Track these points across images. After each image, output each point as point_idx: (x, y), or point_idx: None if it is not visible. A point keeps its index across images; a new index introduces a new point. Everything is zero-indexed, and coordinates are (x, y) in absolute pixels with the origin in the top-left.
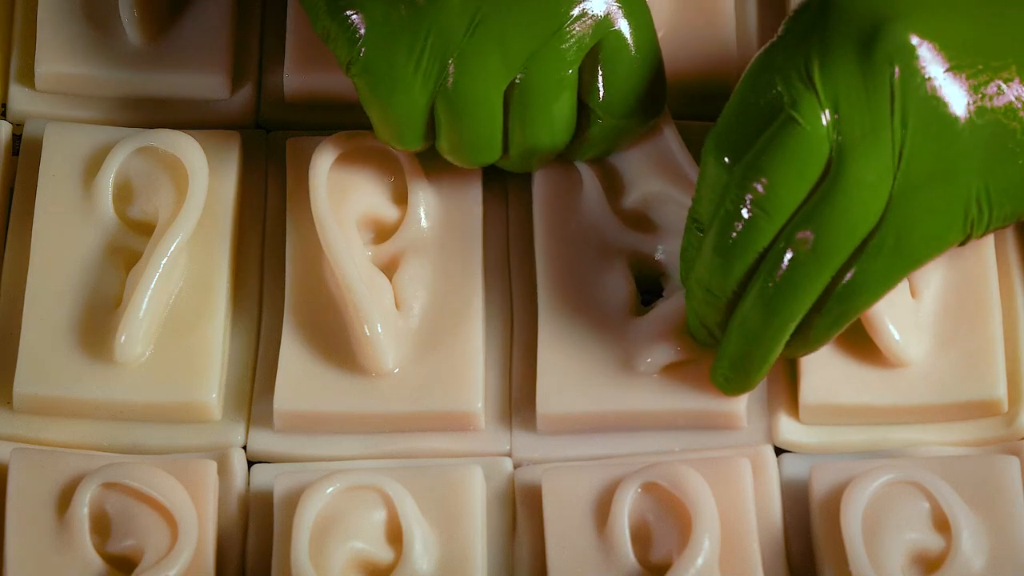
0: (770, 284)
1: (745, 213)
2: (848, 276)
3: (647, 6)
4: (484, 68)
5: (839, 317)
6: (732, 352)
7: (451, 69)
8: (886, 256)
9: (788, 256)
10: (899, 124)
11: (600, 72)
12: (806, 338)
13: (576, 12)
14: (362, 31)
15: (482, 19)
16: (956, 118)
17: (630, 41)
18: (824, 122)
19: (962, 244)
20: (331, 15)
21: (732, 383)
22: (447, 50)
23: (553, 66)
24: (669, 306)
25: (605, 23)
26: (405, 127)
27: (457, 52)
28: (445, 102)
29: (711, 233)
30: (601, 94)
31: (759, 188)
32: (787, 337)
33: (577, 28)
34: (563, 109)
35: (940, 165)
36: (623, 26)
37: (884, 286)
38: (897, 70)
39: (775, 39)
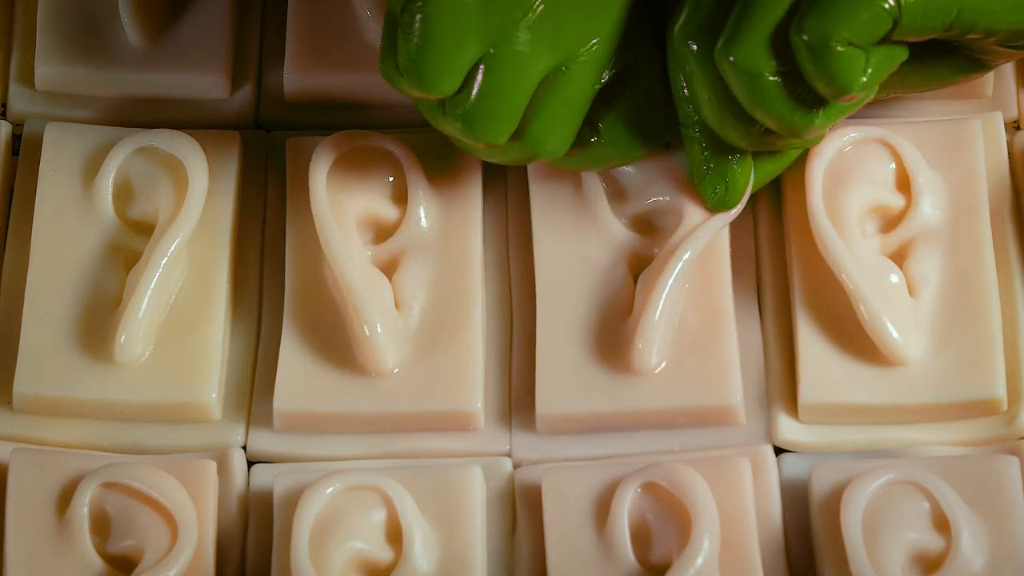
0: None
1: None
2: None
3: None
4: (531, 52)
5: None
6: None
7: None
8: None
9: None
10: None
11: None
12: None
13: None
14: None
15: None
16: None
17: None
18: None
19: (891, 32)
20: None
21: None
22: (512, 18)
23: (591, 70)
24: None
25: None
26: (448, 60)
27: (520, 23)
28: (488, 63)
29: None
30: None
31: None
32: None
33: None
34: (577, 115)
35: None
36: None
37: None
38: None
39: None
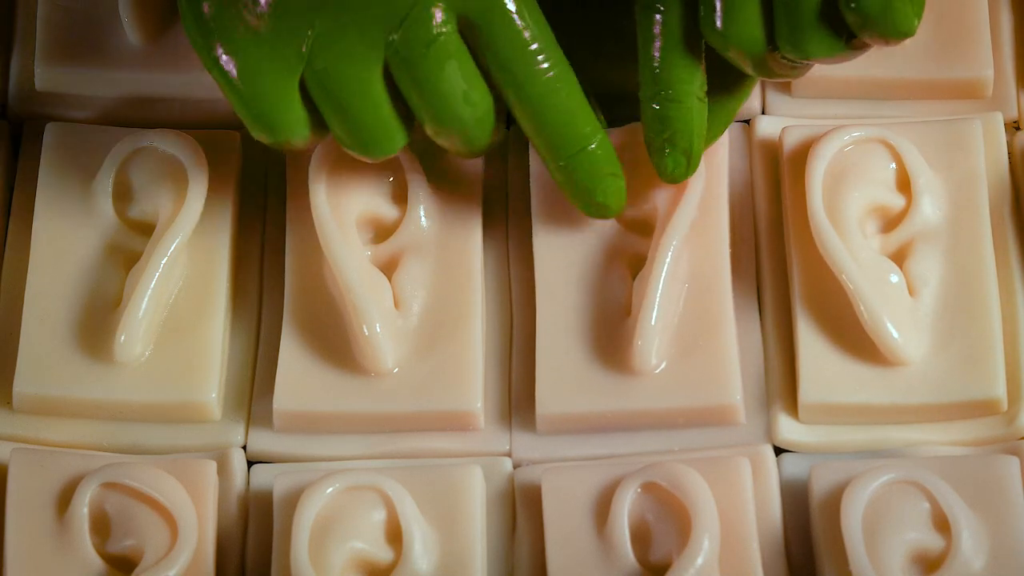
0: None
1: None
2: None
3: None
4: (343, 40)
5: None
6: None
7: (306, 47)
8: None
9: None
10: None
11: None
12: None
13: None
14: (234, 70)
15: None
16: None
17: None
18: None
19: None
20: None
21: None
22: (298, 32)
23: (421, 30)
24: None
25: None
26: (280, 113)
27: (310, 32)
28: (315, 81)
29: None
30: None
31: None
32: None
33: None
34: (453, 79)
35: None
36: None
37: None
38: None
39: None
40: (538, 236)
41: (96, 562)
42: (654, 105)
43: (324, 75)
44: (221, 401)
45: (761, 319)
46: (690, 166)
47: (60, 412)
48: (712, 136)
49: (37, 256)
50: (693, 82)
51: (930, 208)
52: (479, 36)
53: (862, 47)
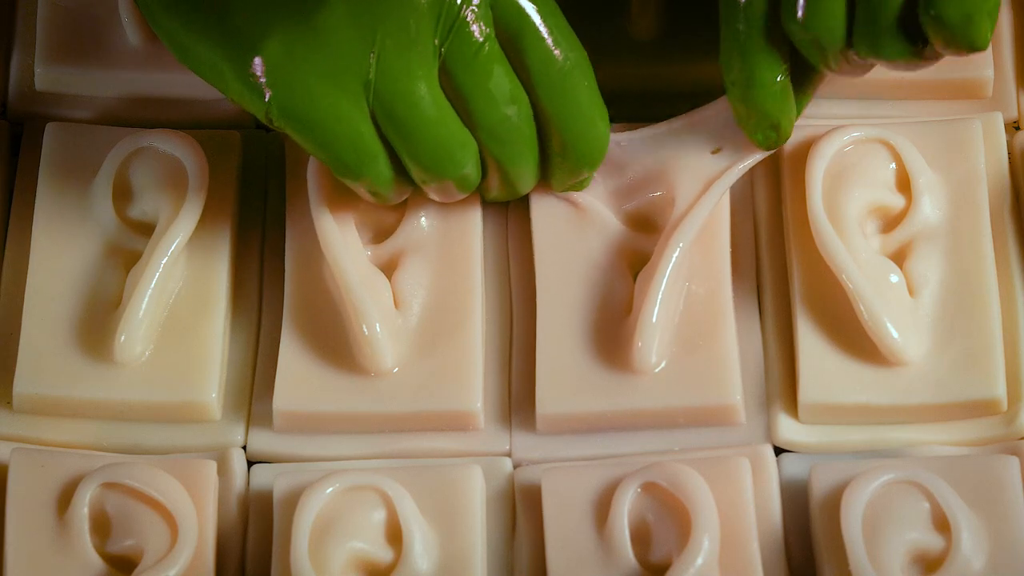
0: None
1: None
2: None
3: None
4: (404, 61)
5: None
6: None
7: (372, 75)
8: None
9: None
10: None
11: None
12: None
13: None
14: (263, 78)
15: (375, 21)
16: None
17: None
18: None
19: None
20: (236, 72)
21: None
22: (359, 62)
23: (465, 41)
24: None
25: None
26: (362, 158)
27: (371, 58)
28: (383, 112)
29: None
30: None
31: None
32: None
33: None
34: (500, 81)
35: None
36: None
37: None
38: None
39: None
40: (538, 235)
41: (96, 562)
42: (738, 90)
43: (393, 101)
44: (221, 401)
45: (761, 319)
46: (779, 138)
47: (60, 412)
48: (798, 111)
49: (37, 256)
50: (776, 68)
51: (930, 208)
52: (513, 44)
53: (934, 57)
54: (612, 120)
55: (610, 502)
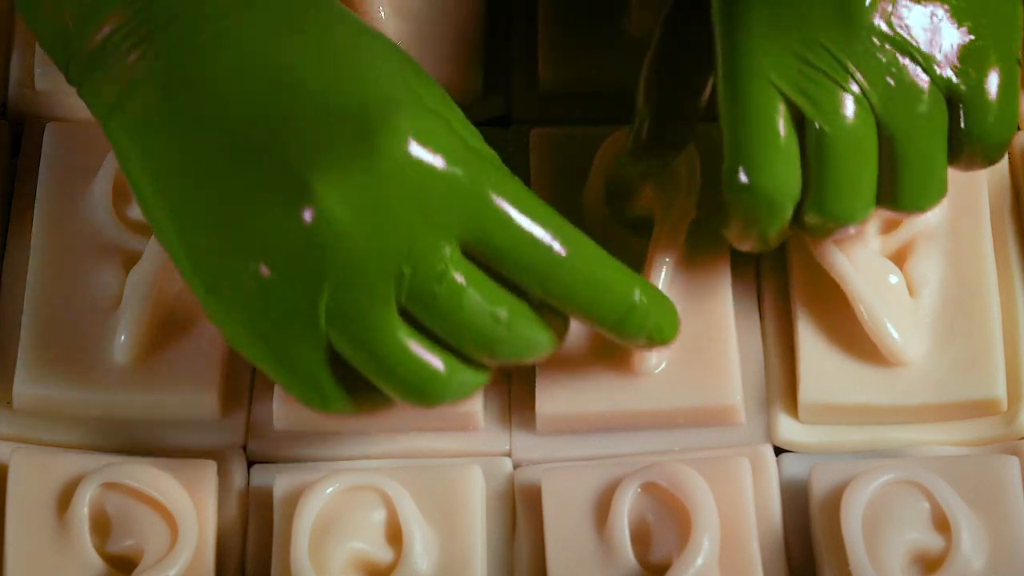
0: None
1: None
2: None
3: None
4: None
5: None
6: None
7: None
8: None
9: None
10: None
11: None
12: None
13: None
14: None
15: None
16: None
17: None
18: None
19: None
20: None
21: None
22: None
23: (428, 269)
24: None
25: None
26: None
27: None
28: (343, 345)
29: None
30: None
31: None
32: None
33: None
34: (475, 307)
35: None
36: None
37: None
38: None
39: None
40: None
41: (96, 562)
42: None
43: (350, 337)
44: (222, 401)
45: (761, 320)
46: None
47: (60, 412)
48: None
49: (37, 256)
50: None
51: None
52: (486, 251)
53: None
54: (612, 120)
55: (610, 502)
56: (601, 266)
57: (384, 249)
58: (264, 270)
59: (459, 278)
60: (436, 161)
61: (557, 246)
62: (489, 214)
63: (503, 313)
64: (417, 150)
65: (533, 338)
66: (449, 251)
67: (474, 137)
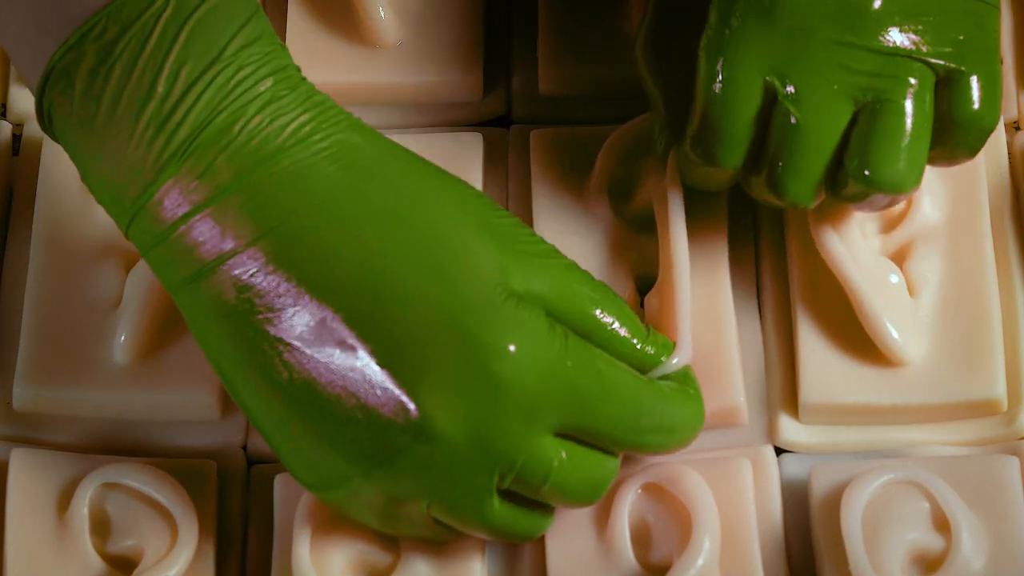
0: None
1: None
2: None
3: None
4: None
5: None
6: None
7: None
8: None
9: None
10: None
11: None
12: None
13: None
14: None
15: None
16: None
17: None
18: None
19: None
20: None
21: None
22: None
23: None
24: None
25: None
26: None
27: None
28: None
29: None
30: None
31: None
32: None
33: None
34: (577, 483)
35: None
36: None
37: None
38: None
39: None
40: (540, 234)
41: (96, 562)
42: None
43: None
44: (222, 401)
45: (761, 319)
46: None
47: (60, 412)
48: None
49: (37, 256)
50: None
51: (930, 208)
52: (580, 434)
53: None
54: (611, 121)
55: (610, 503)
56: (671, 412)
57: (488, 456)
58: (367, 478)
59: (561, 473)
60: (536, 367)
61: (644, 420)
62: (588, 411)
63: (599, 477)
64: (517, 361)
65: (612, 477)
66: (549, 443)
67: (550, 256)
